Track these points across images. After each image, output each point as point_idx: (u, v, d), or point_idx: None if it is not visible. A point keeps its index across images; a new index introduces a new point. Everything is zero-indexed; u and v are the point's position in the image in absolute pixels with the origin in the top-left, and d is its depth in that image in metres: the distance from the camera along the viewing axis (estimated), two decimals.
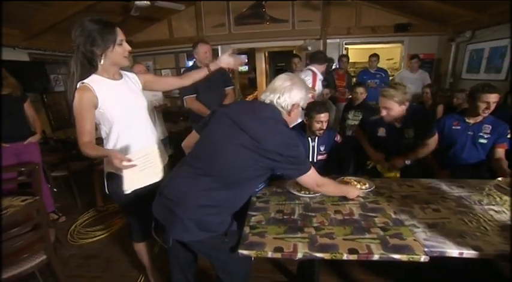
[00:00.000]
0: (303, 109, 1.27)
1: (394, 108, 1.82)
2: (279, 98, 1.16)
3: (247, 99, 7.51)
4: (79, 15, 3.75)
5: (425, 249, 1.03)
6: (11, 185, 2.30)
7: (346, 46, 5.13)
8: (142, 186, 1.38)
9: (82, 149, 1.23)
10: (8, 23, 3.52)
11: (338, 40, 4.99)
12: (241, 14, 4.97)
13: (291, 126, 1.25)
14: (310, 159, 2.14)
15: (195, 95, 2.65)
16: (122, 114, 1.33)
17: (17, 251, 1.48)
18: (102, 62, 1.28)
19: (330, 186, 1.40)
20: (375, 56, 4.33)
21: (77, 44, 1.23)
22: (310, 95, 1.31)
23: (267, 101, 1.19)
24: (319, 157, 2.16)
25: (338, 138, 2.20)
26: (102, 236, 2.49)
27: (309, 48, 4.90)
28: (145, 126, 1.45)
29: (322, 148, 2.15)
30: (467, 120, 2.03)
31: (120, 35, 1.28)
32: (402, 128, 1.93)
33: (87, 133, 1.24)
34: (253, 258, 1.21)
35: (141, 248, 1.71)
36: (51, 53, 4.49)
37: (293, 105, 1.17)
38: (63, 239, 2.43)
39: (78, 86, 1.24)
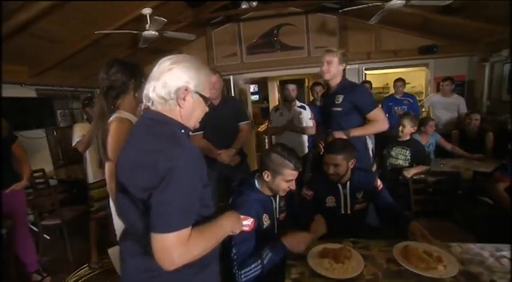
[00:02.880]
0: (206, 99, 0.91)
1: (334, 63, 1.88)
2: (154, 88, 0.84)
3: (259, 129, 7.16)
4: (87, 50, 3.67)
5: None
6: None
7: (366, 72, 4.83)
8: None
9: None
10: (16, 60, 3.43)
11: (357, 66, 4.70)
12: (254, 43, 4.82)
13: (193, 123, 0.92)
14: (343, 211, 1.66)
15: (201, 132, 2.30)
16: None
17: None
18: (133, 96, 1.35)
19: (200, 243, 0.79)
20: (400, 81, 3.97)
21: (110, 80, 1.28)
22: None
23: (147, 104, 0.88)
24: (357, 206, 1.68)
25: (378, 183, 1.71)
26: None
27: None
28: None
29: (359, 195, 1.67)
30: None
31: None
32: (335, 94, 1.97)
33: None
34: None
35: None
36: (59, 88, 4.38)
37: (178, 88, 0.83)
38: None
39: (113, 117, 1.25)
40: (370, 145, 2.30)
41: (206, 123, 2.35)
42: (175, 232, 0.73)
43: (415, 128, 2.52)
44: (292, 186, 1.36)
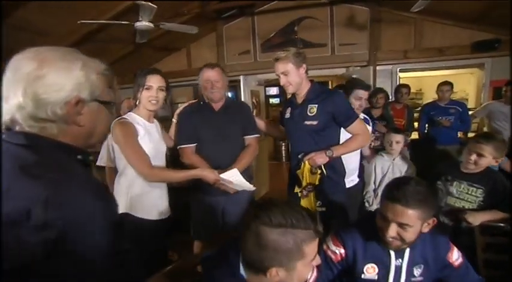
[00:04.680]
0: (110, 103, 0.68)
1: (291, 70, 1.56)
2: (21, 108, 0.55)
3: None
4: (83, 46, 3.31)
5: None
6: None
7: (400, 74, 4.08)
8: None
9: (153, 180, 1.45)
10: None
11: (390, 66, 3.97)
12: (269, 39, 4.26)
13: (95, 140, 0.71)
14: None
15: (194, 145, 1.80)
16: (151, 155, 1.45)
17: None
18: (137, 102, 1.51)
19: None
20: (447, 85, 3.19)
21: None
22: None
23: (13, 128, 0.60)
24: None
25: (455, 255, 1.06)
26: None
27: (354, 76, 3.96)
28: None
29: (417, 271, 1.03)
30: None
31: (149, 81, 1.47)
32: (305, 103, 1.62)
33: (147, 159, 1.39)
34: None
35: None
36: None
37: (66, 102, 0.58)
38: None
39: (114, 121, 1.38)
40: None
41: (202, 133, 1.85)
42: None
43: (499, 160, 1.54)
44: (317, 261, 0.79)
